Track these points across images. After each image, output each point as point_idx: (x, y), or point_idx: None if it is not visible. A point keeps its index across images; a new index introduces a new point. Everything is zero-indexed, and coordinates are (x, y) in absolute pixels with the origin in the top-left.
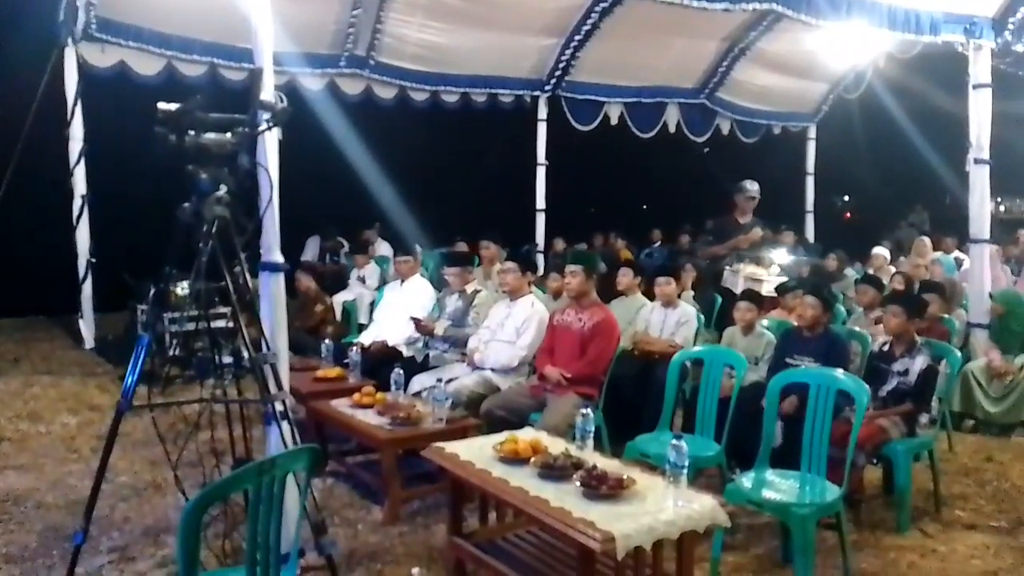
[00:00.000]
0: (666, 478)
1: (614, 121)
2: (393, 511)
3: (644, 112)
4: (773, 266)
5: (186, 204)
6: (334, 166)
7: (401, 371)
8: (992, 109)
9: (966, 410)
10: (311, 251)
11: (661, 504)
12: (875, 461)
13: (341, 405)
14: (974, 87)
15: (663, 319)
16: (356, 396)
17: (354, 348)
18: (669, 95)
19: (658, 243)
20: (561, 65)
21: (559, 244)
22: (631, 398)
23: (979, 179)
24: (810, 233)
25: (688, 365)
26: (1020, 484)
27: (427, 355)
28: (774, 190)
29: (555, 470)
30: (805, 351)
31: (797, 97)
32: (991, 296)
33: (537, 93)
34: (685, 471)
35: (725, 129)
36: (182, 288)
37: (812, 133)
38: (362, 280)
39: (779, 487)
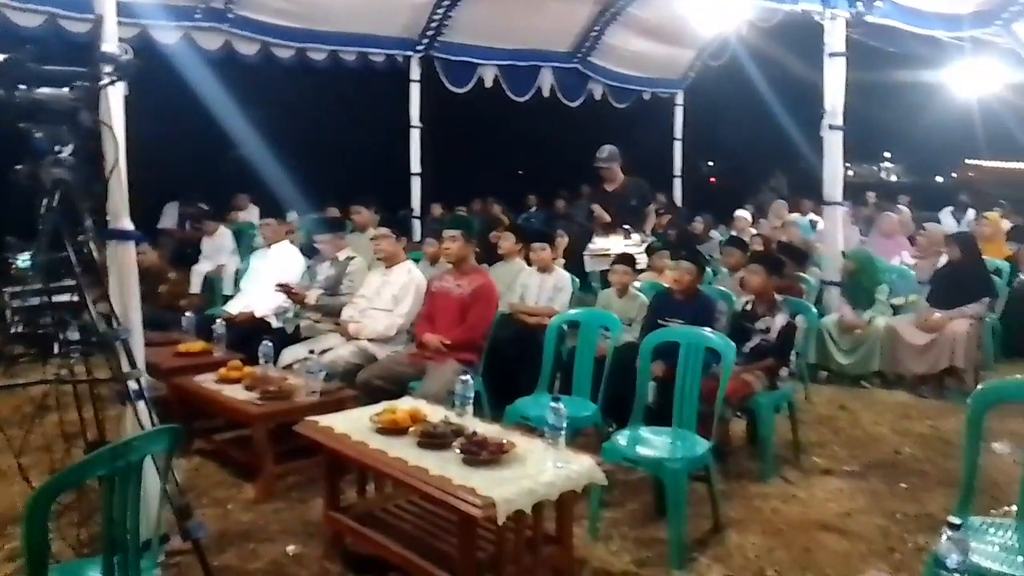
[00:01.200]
0: (545, 440)
1: (489, 84)
2: (266, 488)
3: (518, 75)
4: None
5: (19, 166)
6: (195, 127)
7: (270, 343)
8: (846, 78)
9: (821, 362)
10: (169, 218)
11: (541, 466)
12: (740, 414)
13: (206, 381)
14: (829, 56)
15: (540, 284)
16: (222, 371)
17: (219, 320)
18: (543, 59)
19: (534, 208)
20: (434, 25)
21: (436, 209)
22: (512, 362)
23: (833, 145)
24: (678, 197)
25: (566, 328)
26: (870, 430)
27: (298, 325)
28: (645, 155)
29: (435, 438)
30: (677, 313)
31: (666, 63)
32: (844, 255)
33: (410, 53)
34: (563, 433)
35: (598, 94)
36: (23, 260)
37: (680, 100)
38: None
39: (653, 443)
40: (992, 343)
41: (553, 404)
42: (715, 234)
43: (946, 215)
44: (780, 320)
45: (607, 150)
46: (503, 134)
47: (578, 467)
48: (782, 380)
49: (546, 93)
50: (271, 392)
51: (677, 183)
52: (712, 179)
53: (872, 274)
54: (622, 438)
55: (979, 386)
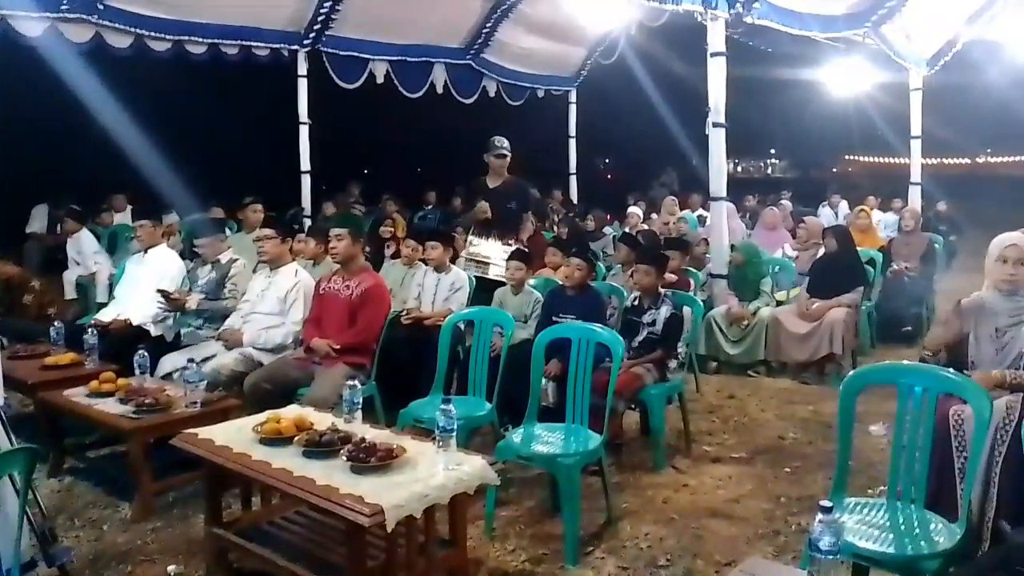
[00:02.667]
0: (436, 443)
1: (380, 79)
2: (144, 506)
3: (411, 71)
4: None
5: None
6: (66, 125)
7: (146, 352)
8: (729, 76)
9: (710, 353)
10: (38, 222)
11: (432, 470)
12: (633, 407)
13: (77, 395)
14: (711, 55)
15: (436, 284)
16: (94, 383)
17: (90, 329)
18: (435, 54)
19: (431, 206)
20: (320, 18)
21: (329, 208)
22: (407, 364)
23: (717, 142)
24: (574, 194)
25: (462, 327)
26: (756, 417)
27: (179, 333)
28: (539, 152)
29: (321, 446)
30: (570, 308)
31: (558, 61)
32: (732, 247)
33: (296, 47)
34: (454, 434)
35: (492, 91)
36: None
37: (573, 97)
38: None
39: (547, 440)
40: (868, 329)
41: (443, 406)
42: (608, 230)
43: (825, 208)
44: (665, 311)
45: (505, 142)
46: (398, 131)
47: (470, 468)
48: (671, 372)
49: (440, 89)
50: (147, 404)
51: (573, 180)
52: (608, 175)
53: (757, 266)
54: (516, 436)
55: (850, 372)
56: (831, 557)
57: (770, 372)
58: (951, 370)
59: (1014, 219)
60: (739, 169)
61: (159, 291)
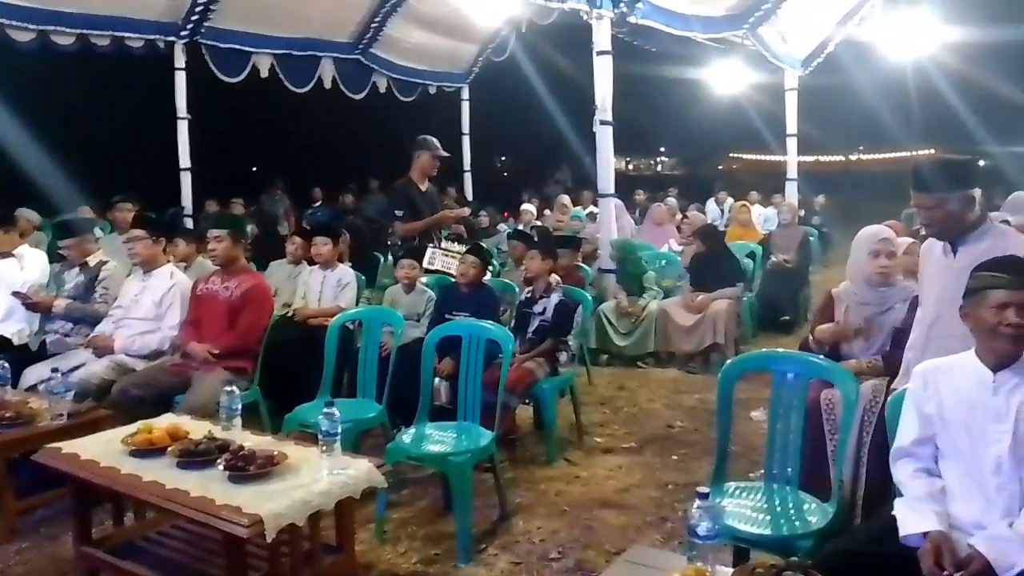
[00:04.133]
0: (320, 447)
1: (264, 73)
2: (8, 527)
3: (297, 65)
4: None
5: None
6: None
7: (6, 363)
8: (620, 76)
9: (601, 346)
10: None
11: (315, 476)
12: (527, 401)
13: None
14: (597, 54)
15: (322, 282)
16: None
17: None
18: (322, 48)
19: (319, 203)
20: (198, 8)
21: (212, 206)
22: (295, 366)
23: (604, 139)
24: (469, 191)
25: (352, 327)
26: (646, 407)
27: (43, 341)
28: None
29: (196, 456)
30: (462, 306)
31: (449, 57)
32: (611, 244)
33: (173, 39)
34: (338, 438)
35: (382, 87)
36: None
37: (465, 94)
38: None
39: (438, 439)
40: (750, 319)
41: (326, 409)
42: (503, 227)
43: (711, 203)
44: (554, 299)
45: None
46: (285, 126)
47: (356, 472)
48: (563, 365)
49: (328, 84)
50: (7, 418)
51: (468, 177)
52: (504, 173)
53: (636, 263)
54: (407, 436)
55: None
56: (709, 542)
57: (659, 363)
58: (821, 356)
59: (884, 212)
60: (630, 167)
61: (15, 294)
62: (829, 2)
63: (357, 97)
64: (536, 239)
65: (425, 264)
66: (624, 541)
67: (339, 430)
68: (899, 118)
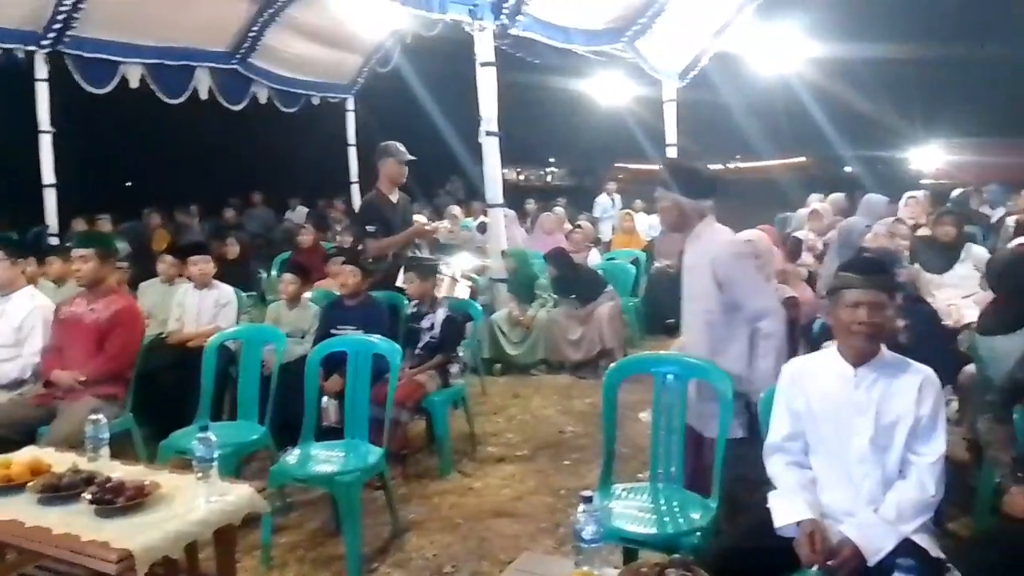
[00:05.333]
0: (196, 474)
1: (135, 84)
2: None
3: (170, 75)
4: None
5: None
6: None
7: None
8: (510, 87)
9: (495, 356)
10: None
11: (191, 504)
12: (419, 415)
13: None
14: (480, 65)
15: (199, 302)
16: None
17: None
18: (198, 58)
19: (198, 219)
20: (61, 16)
21: (79, 224)
22: (171, 391)
23: (491, 150)
24: (356, 203)
25: (233, 347)
26: (539, 414)
27: None
28: (318, 161)
29: (60, 491)
30: (349, 320)
31: (333, 68)
32: (503, 253)
33: (33, 48)
34: (215, 463)
35: (263, 97)
36: None
37: (351, 105)
38: None
39: (324, 459)
40: (636, 323)
41: (201, 434)
42: None
43: (602, 196)
44: (441, 315)
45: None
46: (161, 138)
47: (236, 498)
48: (454, 377)
49: (204, 95)
50: None
51: (355, 189)
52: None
53: (527, 270)
54: (292, 458)
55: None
56: (595, 545)
57: (551, 370)
58: (697, 356)
59: (759, 217)
60: (520, 177)
61: None
62: (703, 17)
63: (236, 108)
64: (412, 257)
65: (402, 284)
66: (518, 550)
67: (216, 455)
68: (770, 128)
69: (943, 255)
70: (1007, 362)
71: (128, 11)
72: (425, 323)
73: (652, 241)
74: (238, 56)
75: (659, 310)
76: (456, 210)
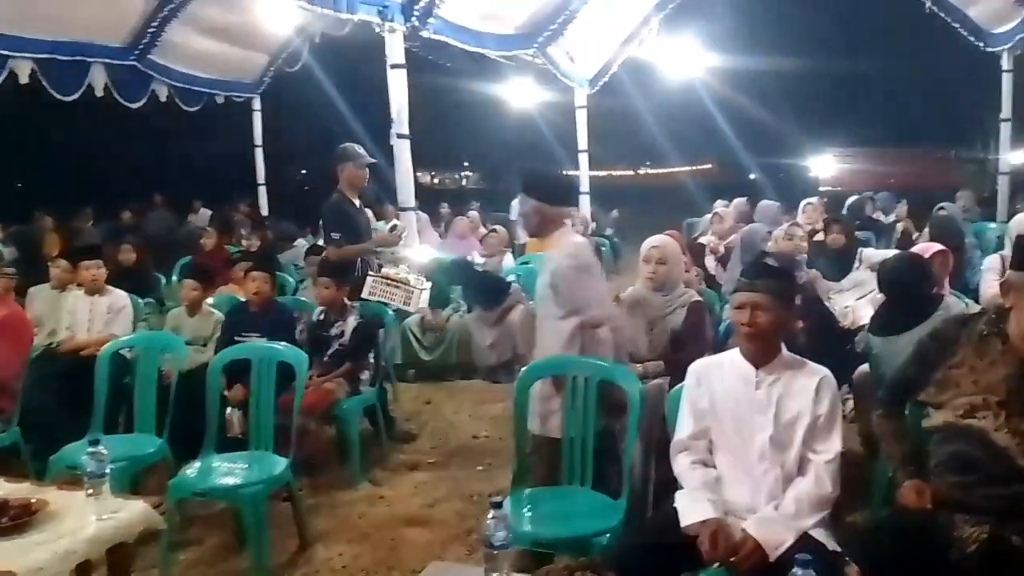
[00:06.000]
0: (86, 490)
1: (24, 79)
2: None
3: (62, 71)
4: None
5: None
6: None
7: None
8: (424, 90)
9: (407, 361)
10: None
11: (81, 522)
12: (329, 424)
13: None
14: (391, 67)
15: (91, 309)
16: None
17: None
18: (92, 53)
19: (91, 222)
20: None
21: None
22: (63, 403)
23: (402, 153)
24: (264, 206)
25: (129, 355)
26: (451, 420)
27: None
28: (222, 161)
29: None
30: (253, 327)
31: (237, 66)
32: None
33: None
34: (107, 479)
35: (163, 95)
36: None
37: (257, 104)
38: None
39: (227, 471)
40: None
41: (91, 448)
42: (301, 242)
43: (516, 202)
44: (352, 321)
45: None
46: (56, 138)
47: (129, 515)
48: (364, 384)
49: (100, 92)
50: None
51: (262, 191)
52: (305, 187)
53: (440, 275)
54: (192, 471)
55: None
56: (504, 550)
57: (464, 375)
58: (607, 359)
59: (668, 222)
60: (435, 180)
61: None
62: (612, 25)
63: (134, 106)
64: (324, 260)
65: (365, 295)
66: (430, 558)
67: (107, 470)
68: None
69: (837, 261)
70: (898, 361)
71: (16, 2)
72: (334, 330)
73: None
74: (137, 52)
75: None
76: (368, 213)
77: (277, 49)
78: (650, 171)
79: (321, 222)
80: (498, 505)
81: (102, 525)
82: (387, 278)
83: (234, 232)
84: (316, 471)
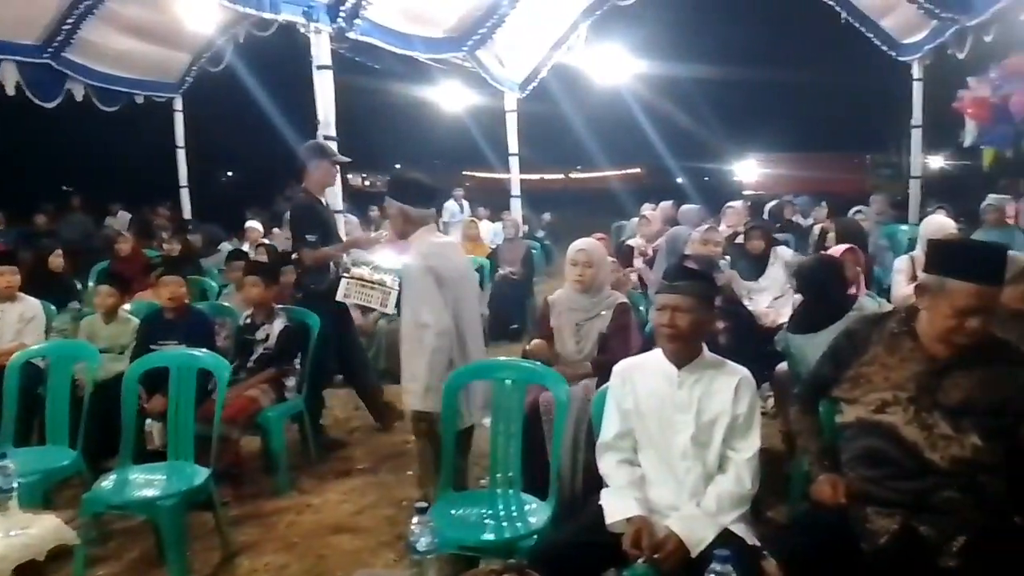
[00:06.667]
0: None
1: None
2: None
3: None
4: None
5: None
6: None
7: None
8: (355, 92)
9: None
10: None
11: None
12: (254, 432)
13: None
14: (317, 68)
15: (1, 317)
16: None
17: None
18: (3, 51)
19: (2, 226)
20: None
21: None
22: None
23: None
24: (187, 209)
25: (42, 365)
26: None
27: None
28: (142, 163)
29: None
30: (171, 334)
31: (157, 65)
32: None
33: None
34: (14, 494)
35: (79, 95)
36: None
37: (179, 105)
38: None
39: (144, 483)
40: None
41: None
42: (226, 246)
43: (451, 203)
44: (278, 325)
45: None
46: None
47: (39, 531)
48: (290, 390)
49: (11, 91)
50: None
51: (185, 193)
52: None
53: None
54: (108, 483)
55: None
56: (429, 556)
57: (394, 380)
58: (536, 361)
59: (597, 225)
60: (366, 183)
61: None
62: (541, 30)
63: (48, 106)
64: (253, 260)
65: (340, 298)
66: (358, 565)
67: (14, 485)
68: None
69: (756, 263)
70: (813, 358)
71: None
72: (260, 334)
73: (496, 249)
74: (51, 50)
75: (502, 316)
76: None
77: (200, 48)
78: (580, 175)
79: (290, 224)
80: (423, 510)
81: (9, 542)
82: (362, 279)
83: (154, 236)
84: (241, 481)
